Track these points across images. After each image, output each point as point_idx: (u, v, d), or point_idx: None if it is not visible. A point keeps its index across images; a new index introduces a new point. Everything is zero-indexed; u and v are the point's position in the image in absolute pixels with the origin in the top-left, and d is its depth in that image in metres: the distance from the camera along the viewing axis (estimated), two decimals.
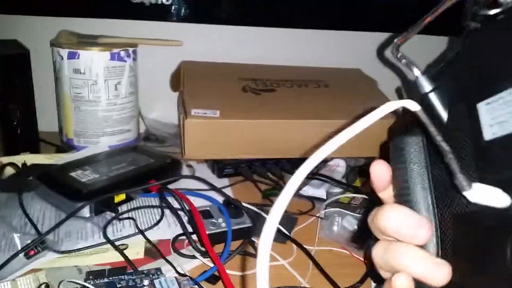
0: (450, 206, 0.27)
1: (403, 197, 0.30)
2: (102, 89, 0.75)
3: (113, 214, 0.57)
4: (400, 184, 0.30)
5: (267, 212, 0.60)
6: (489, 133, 0.24)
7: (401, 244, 0.26)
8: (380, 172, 0.31)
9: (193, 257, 0.51)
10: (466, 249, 0.25)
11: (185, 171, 0.73)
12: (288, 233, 0.58)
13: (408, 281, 0.25)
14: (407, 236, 0.26)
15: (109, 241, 0.52)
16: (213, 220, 0.55)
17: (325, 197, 0.68)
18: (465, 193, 0.24)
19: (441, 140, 0.23)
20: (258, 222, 0.57)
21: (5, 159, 0.68)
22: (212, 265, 0.49)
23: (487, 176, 0.24)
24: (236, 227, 0.54)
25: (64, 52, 0.73)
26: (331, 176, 0.73)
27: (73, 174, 0.62)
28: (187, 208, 0.56)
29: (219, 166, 0.74)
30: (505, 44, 0.25)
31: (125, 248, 0.52)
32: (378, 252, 0.28)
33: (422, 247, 0.27)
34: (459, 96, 0.27)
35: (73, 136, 0.78)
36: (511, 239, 0.22)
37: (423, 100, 0.28)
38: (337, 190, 0.70)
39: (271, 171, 0.75)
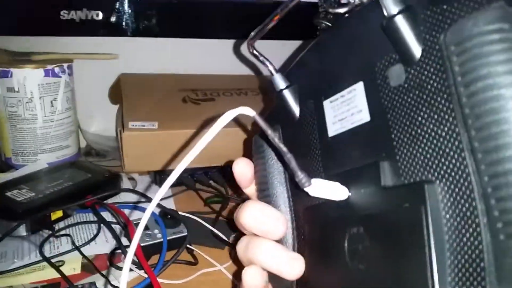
0: (303, 200, 0.28)
1: (263, 192, 0.31)
2: (37, 106, 0.74)
3: (50, 232, 0.57)
4: (260, 179, 0.32)
5: (206, 220, 0.62)
6: (332, 129, 0.26)
7: (259, 239, 0.28)
8: (243, 169, 0.32)
9: (130, 269, 0.52)
10: (316, 243, 0.27)
11: (127, 183, 0.74)
12: (226, 239, 0.60)
13: (257, 274, 0.27)
14: (263, 231, 0.27)
15: (45, 258, 0.52)
16: (148, 232, 0.56)
17: None
18: (306, 189, 0.25)
19: (278, 142, 0.24)
20: (195, 229, 0.59)
21: None
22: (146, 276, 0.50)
23: (330, 170, 0.26)
24: (172, 236, 0.56)
25: None
26: None
27: (8, 193, 0.61)
28: (122, 221, 0.57)
29: (161, 177, 0.75)
30: (346, 43, 0.26)
31: (62, 265, 0.52)
32: (240, 247, 0.29)
33: (282, 241, 0.28)
34: (309, 93, 0.29)
35: (11, 155, 0.76)
36: (349, 232, 0.23)
37: (278, 97, 0.29)
38: None
39: (213, 179, 0.77)
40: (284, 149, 0.24)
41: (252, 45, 0.31)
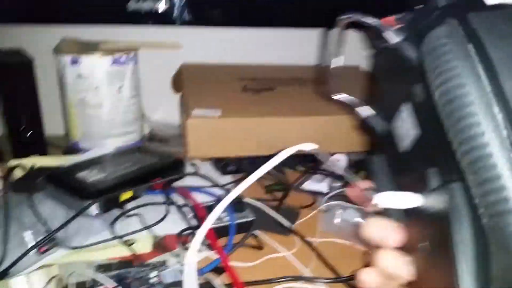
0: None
1: None
2: (105, 93, 0.77)
3: (120, 211, 0.59)
4: None
5: (269, 206, 0.62)
6: None
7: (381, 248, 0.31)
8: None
9: (199, 250, 0.53)
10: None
11: (189, 169, 0.75)
12: (290, 226, 0.59)
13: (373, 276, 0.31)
14: (381, 242, 0.31)
15: (117, 236, 0.54)
16: None
17: (326, 191, 0.70)
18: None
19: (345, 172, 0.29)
20: (259, 215, 0.59)
21: (14, 162, 0.70)
22: (216, 257, 0.51)
23: None
24: (239, 220, 0.56)
25: (67, 59, 0.76)
26: (332, 171, 0.74)
27: (80, 174, 0.64)
28: (190, 204, 0.58)
29: (222, 164, 0.76)
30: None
31: (133, 243, 0.54)
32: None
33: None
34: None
35: (79, 139, 0.80)
36: None
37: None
38: (338, 184, 0.72)
39: (274, 167, 0.76)
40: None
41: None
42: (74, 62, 0.76)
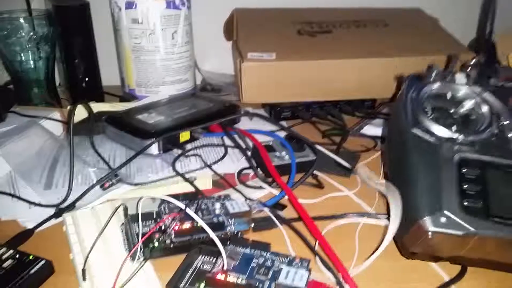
0: None
1: None
2: (159, 38, 0.76)
3: (180, 151, 0.59)
4: None
5: (329, 149, 0.60)
6: None
7: None
8: None
9: (259, 187, 0.52)
10: None
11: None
12: (351, 167, 0.57)
13: None
14: None
15: (178, 173, 0.54)
16: (277, 154, 0.55)
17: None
18: None
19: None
20: (319, 158, 0.57)
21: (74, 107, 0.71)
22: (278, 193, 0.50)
23: None
24: (300, 160, 0.55)
25: (122, 2, 0.75)
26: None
27: (139, 116, 0.64)
28: (250, 144, 0.57)
29: (277, 110, 0.75)
30: None
31: (194, 180, 0.54)
32: None
33: None
34: None
35: (135, 86, 0.80)
36: None
37: None
38: None
39: (330, 113, 0.74)
40: None
41: None
42: (130, 5, 0.75)
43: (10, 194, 0.51)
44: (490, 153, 0.38)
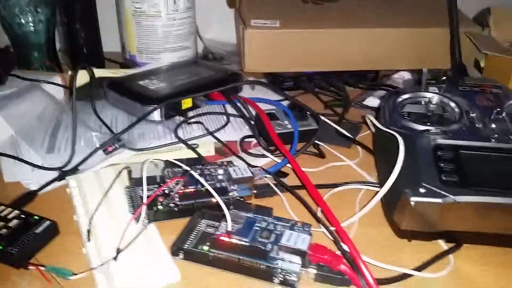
0: None
1: None
2: (161, 3, 0.74)
3: (182, 119, 0.59)
4: None
5: (331, 120, 0.60)
6: None
7: None
8: None
9: (262, 156, 0.53)
10: None
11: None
12: (352, 137, 0.58)
13: None
14: None
15: (181, 140, 0.54)
16: (279, 122, 0.55)
17: None
18: None
19: None
20: (321, 129, 0.57)
21: (75, 72, 0.71)
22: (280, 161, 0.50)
23: None
24: (302, 128, 0.55)
25: None
26: (396, 87, 0.71)
27: (141, 82, 0.64)
28: (252, 113, 0.57)
29: (279, 80, 0.74)
30: None
31: (197, 147, 0.54)
32: None
33: None
34: None
35: (136, 53, 0.79)
36: None
37: None
38: None
39: (333, 85, 0.74)
40: None
41: None
42: None
43: (13, 157, 0.51)
44: (462, 138, 0.43)
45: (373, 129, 0.55)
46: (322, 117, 0.60)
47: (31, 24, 0.73)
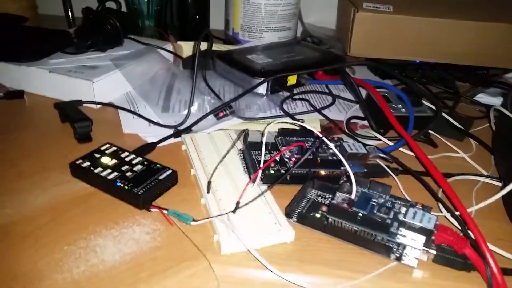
0: None
1: None
2: None
3: (286, 94, 0.59)
4: None
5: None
6: None
7: None
8: None
9: (370, 137, 0.51)
10: None
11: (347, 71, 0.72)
12: (466, 130, 0.54)
13: None
14: None
15: (288, 114, 0.54)
16: (393, 105, 0.53)
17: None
18: None
19: None
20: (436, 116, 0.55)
21: (182, 43, 0.73)
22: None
23: None
24: (417, 114, 0.53)
25: None
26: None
27: (249, 56, 0.64)
28: (362, 95, 0.56)
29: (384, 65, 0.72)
30: None
31: (302, 122, 0.53)
32: None
33: None
34: None
35: (239, 30, 0.81)
36: None
37: None
38: None
39: (442, 77, 0.70)
40: None
41: None
42: None
43: (132, 112, 0.54)
44: None
45: (493, 126, 0.52)
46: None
47: None
